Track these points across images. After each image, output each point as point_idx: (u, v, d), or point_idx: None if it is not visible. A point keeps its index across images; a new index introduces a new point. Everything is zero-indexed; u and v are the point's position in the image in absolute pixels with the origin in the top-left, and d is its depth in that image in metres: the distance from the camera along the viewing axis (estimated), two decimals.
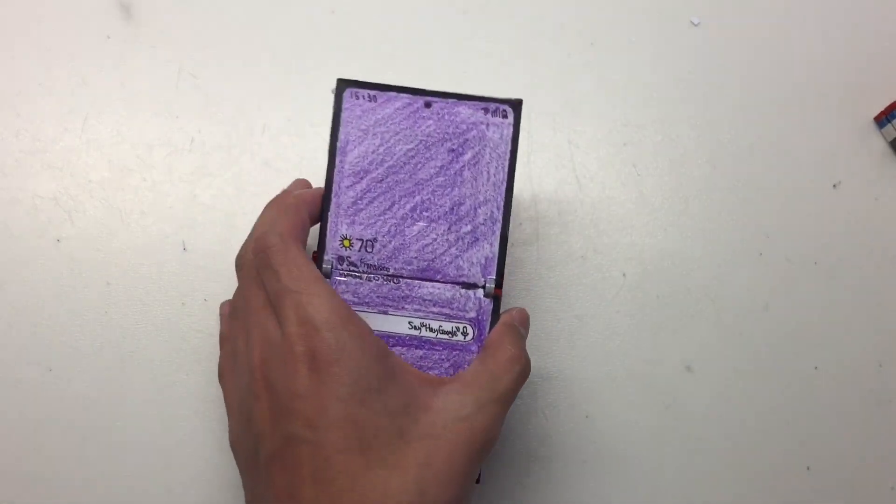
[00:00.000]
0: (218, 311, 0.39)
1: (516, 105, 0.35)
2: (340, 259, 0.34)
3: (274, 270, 0.30)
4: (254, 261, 0.32)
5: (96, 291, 0.39)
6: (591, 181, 0.42)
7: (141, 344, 0.39)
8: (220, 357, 0.35)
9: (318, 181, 0.41)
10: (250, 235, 0.33)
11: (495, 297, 0.34)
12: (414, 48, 0.43)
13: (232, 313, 0.34)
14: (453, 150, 0.35)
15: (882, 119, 0.43)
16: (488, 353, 0.32)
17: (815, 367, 0.40)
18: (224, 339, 0.34)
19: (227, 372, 0.33)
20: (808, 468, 0.39)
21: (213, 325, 0.39)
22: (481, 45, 0.44)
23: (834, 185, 0.43)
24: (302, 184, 0.37)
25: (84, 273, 0.40)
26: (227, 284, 0.40)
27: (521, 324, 0.34)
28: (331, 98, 0.42)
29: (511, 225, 0.40)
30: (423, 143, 0.35)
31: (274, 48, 0.43)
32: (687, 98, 0.43)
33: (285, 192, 0.35)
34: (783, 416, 0.40)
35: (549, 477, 0.38)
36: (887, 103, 0.43)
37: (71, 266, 0.40)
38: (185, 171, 0.41)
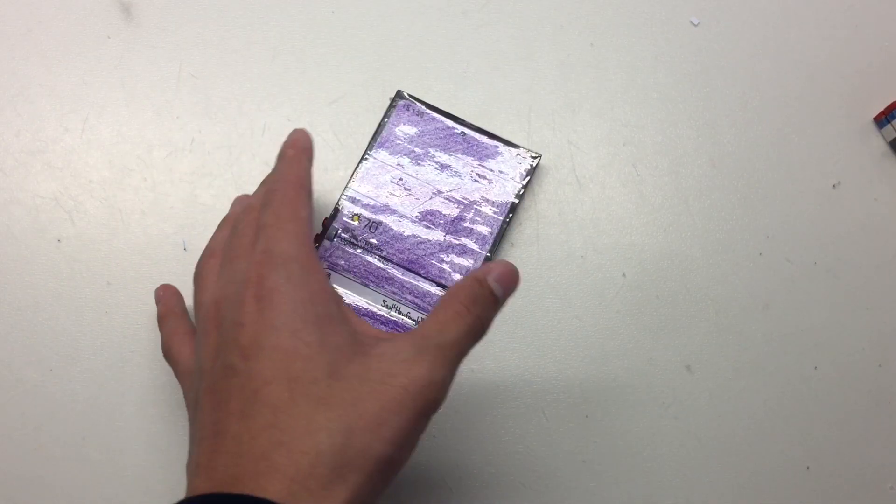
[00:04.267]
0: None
1: (535, 156, 0.41)
2: (346, 229, 0.39)
3: (264, 211, 0.31)
4: (249, 225, 0.32)
5: (96, 291, 0.39)
6: (591, 181, 0.42)
7: (141, 344, 0.39)
8: (173, 327, 0.36)
9: (316, 183, 0.41)
10: (244, 209, 0.34)
11: None
12: (414, 48, 0.43)
13: (200, 267, 0.34)
14: (472, 175, 0.40)
15: (882, 119, 0.43)
16: (441, 306, 0.31)
17: (815, 367, 0.40)
18: (195, 303, 0.34)
19: (185, 339, 0.34)
20: (807, 468, 0.39)
21: None
22: (481, 45, 0.44)
23: (834, 186, 0.43)
24: (300, 140, 0.36)
25: (84, 273, 0.40)
26: None
27: (499, 280, 0.31)
28: (332, 100, 0.42)
29: (511, 225, 0.41)
30: (450, 161, 0.40)
31: (274, 48, 0.43)
32: (687, 98, 0.43)
33: (285, 144, 0.35)
34: (783, 416, 0.40)
35: (550, 477, 0.38)
36: (887, 103, 0.43)
37: (71, 266, 0.40)
38: (185, 171, 0.41)
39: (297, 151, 0.35)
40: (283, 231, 0.30)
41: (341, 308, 0.31)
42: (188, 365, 0.33)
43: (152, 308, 0.39)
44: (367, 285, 0.39)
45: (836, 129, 0.43)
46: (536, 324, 0.40)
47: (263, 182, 0.37)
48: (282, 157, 0.35)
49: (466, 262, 0.39)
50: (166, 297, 0.38)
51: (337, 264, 0.39)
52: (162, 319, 0.37)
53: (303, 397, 0.27)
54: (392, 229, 0.39)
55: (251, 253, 0.31)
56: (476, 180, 0.40)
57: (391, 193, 0.40)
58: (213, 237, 0.36)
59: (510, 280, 0.32)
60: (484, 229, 0.40)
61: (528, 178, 0.40)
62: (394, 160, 0.40)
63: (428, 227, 0.40)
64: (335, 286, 0.39)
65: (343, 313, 0.31)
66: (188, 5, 0.43)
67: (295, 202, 0.32)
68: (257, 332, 0.28)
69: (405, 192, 0.40)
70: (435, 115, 0.41)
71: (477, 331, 0.31)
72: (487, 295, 0.31)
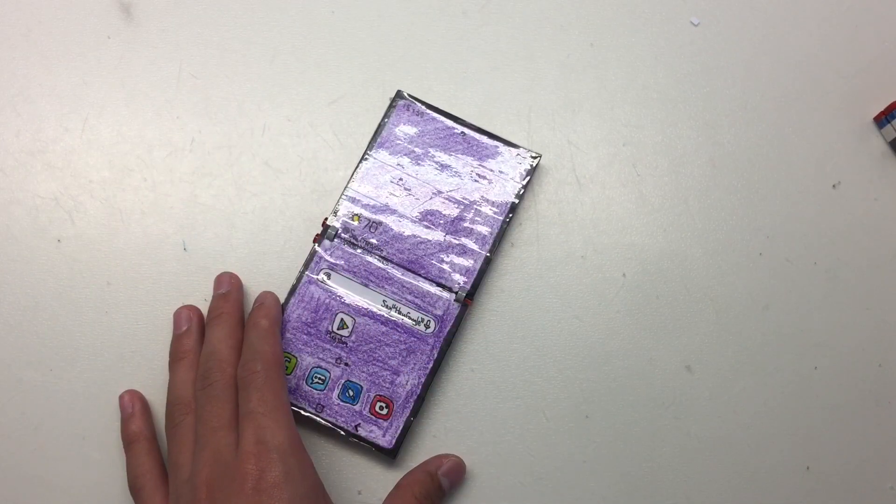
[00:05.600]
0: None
1: (535, 156, 0.41)
2: (346, 229, 0.39)
3: (248, 394, 0.33)
4: (222, 381, 0.34)
5: (96, 291, 0.39)
6: (591, 181, 0.42)
7: (141, 344, 0.39)
8: (142, 464, 0.36)
9: (316, 183, 0.41)
10: (210, 356, 0.35)
11: (464, 304, 0.39)
12: (414, 49, 0.43)
13: (175, 423, 0.35)
14: (472, 175, 0.40)
15: (882, 119, 0.43)
16: (396, 495, 0.35)
17: (815, 367, 0.40)
18: (171, 463, 0.35)
19: (156, 483, 0.35)
20: (807, 468, 0.39)
21: None
22: (481, 45, 0.44)
23: (834, 186, 0.43)
24: (227, 279, 0.39)
25: (84, 273, 0.40)
26: None
27: (448, 474, 0.37)
28: (332, 100, 0.42)
29: (511, 225, 0.41)
30: (450, 161, 0.40)
31: (274, 48, 0.43)
32: (687, 98, 0.43)
33: (257, 310, 0.37)
34: (783, 416, 0.40)
35: (549, 477, 0.38)
36: (887, 103, 0.43)
37: (71, 266, 0.40)
38: (185, 171, 0.41)
39: (271, 323, 0.36)
40: (274, 420, 0.32)
41: (326, 499, 0.33)
42: None
43: (152, 308, 0.39)
44: (367, 285, 0.39)
45: (836, 129, 0.43)
46: (536, 324, 0.40)
47: (217, 313, 0.37)
48: (255, 325, 0.36)
49: (466, 262, 0.39)
50: (136, 413, 0.37)
51: (337, 264, 0.39)
52: (130, 444, 0.36)
53: None
54: (392, 229, 0.39)
55: (233, 430, 0.33)
56: (476, 180, 0.40)
57: (391, 193, 0.40)
58: (175, 379, 0.36)
59: (458, 474, 0.37)
60: (484, 229, 0.40)
61: (528, 178, 0.40)
62: (394, 160, 0.40)
63: (428, 227, 0.40)
64: (335, 286, 0.39)
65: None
66: (188, 5, 0.43)
67: (277, 385, 0.34)
68: None
69: (405, 192, 0.40)
70: (435, 115, 0.41)
71: None
72: (437, 489, 0.36)
